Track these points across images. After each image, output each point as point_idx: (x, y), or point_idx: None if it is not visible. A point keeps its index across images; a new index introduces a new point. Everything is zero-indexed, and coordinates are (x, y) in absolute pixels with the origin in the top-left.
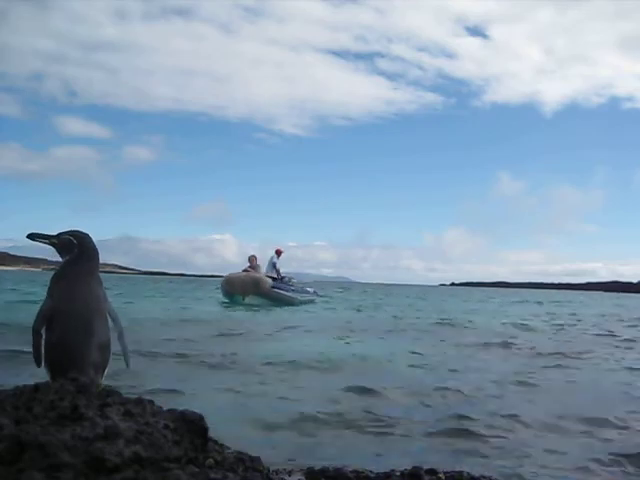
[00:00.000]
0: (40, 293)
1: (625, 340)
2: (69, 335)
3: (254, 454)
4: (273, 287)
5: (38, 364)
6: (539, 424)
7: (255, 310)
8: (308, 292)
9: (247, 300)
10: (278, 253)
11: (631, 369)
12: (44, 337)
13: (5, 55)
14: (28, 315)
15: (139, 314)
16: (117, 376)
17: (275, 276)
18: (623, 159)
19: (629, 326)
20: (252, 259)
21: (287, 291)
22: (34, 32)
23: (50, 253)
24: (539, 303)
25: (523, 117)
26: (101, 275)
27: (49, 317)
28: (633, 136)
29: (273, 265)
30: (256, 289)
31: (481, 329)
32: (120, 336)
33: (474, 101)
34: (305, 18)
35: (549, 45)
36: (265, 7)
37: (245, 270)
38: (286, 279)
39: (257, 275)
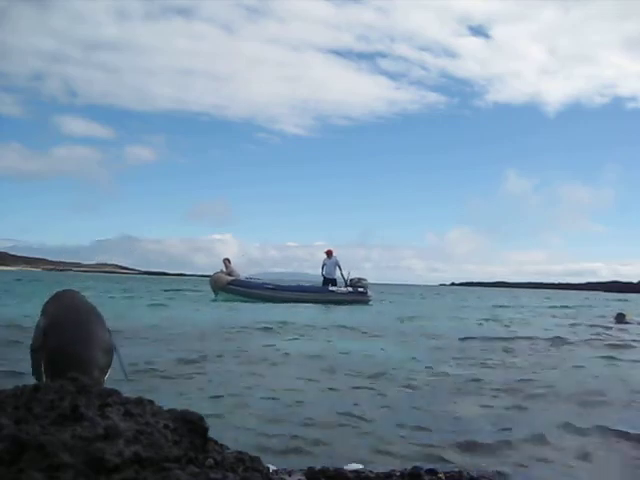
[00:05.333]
0: None
1: None
2: (69, 339)
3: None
4: (230, 284)
5: (39, 382)
6: None
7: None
8: (342, 293)
9: (218, 295)
10: (327, 254)
11: None
12: (44, 347)
13: (5, 55)
14: None
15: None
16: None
17: (328, 277)
18: (625, 159)
19: None
20: (225, 262)
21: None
22: (34, 32)
23: (50, 253)
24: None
25: (526, 117)
26: (101, 275)
27: (47, 332)
28: (636, 136)
29: (322, 266)
30: (216, 286)
31: None
32: (114, 348)
33: (477, 101)
34: (307, 18)
35: (552, 45)
36: (266, 7)
37: (221, 271)
38: (338, 280)
39: (216, 275)
